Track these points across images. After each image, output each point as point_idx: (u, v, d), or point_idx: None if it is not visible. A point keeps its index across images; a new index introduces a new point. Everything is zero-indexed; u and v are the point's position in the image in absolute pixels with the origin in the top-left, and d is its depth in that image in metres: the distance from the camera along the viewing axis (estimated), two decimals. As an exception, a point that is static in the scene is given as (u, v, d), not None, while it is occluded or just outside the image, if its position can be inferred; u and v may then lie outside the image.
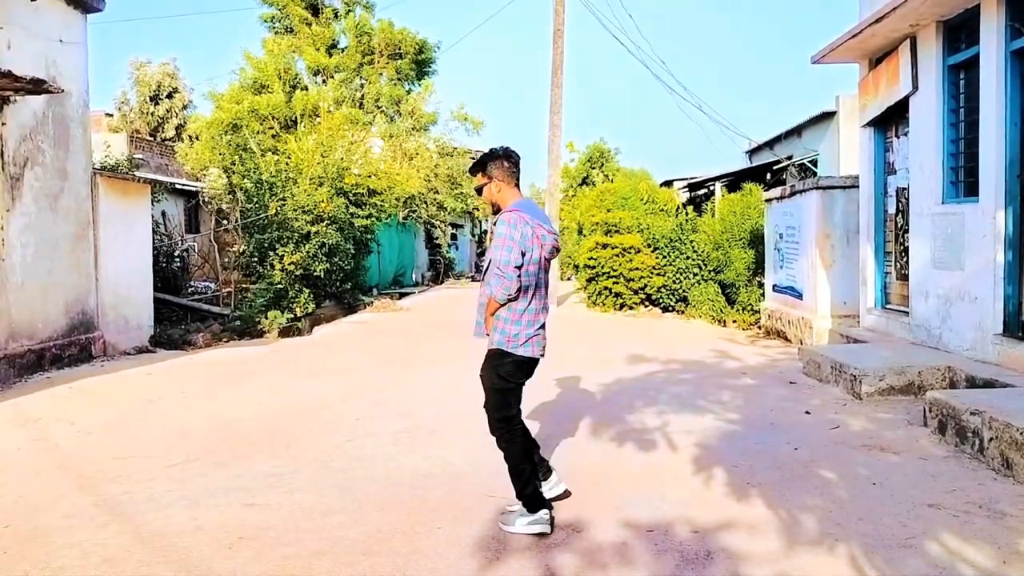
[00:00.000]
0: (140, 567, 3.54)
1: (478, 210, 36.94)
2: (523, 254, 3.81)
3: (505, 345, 3.91)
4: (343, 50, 23.94)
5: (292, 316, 13.01)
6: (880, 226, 9.33)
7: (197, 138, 22.48)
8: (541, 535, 3.81)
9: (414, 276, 27.93)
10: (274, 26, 24.39)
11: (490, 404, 4.00)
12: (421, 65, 25.36)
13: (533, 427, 6.03)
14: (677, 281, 15.06)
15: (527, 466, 3.94)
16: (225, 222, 17.23)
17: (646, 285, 15.18)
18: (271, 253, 13.71)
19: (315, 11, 24.06)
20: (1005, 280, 6.64)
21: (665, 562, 3.52)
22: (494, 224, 4.02)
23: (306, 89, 21.31)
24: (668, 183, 23.34)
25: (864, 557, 3.51)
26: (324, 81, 22.08)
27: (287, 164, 15.72)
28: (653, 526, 3.94)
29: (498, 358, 3.94)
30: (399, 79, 24.60)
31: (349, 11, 24.12)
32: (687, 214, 16.46)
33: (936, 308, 7.73)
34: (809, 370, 8.09)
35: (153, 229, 12.33)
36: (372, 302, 17.51)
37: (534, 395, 7.23)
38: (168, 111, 35.25)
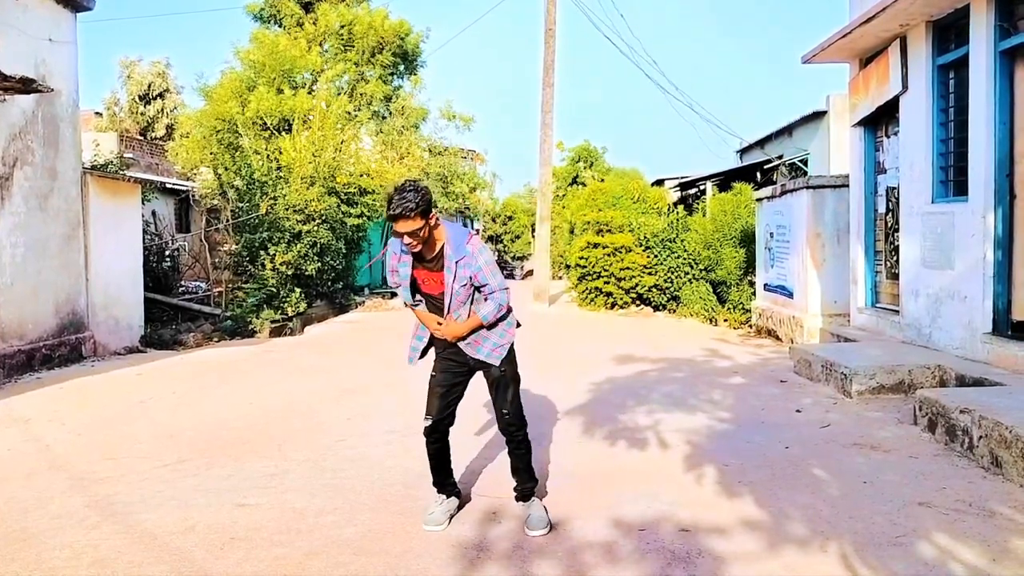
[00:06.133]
0: (131, 568, 3.53)
1: (469, 208, 36.85)
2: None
3: (510, 343, 4.09)
4: (338, 45, 23.47)
5: (283, 316, 12.98)
6: (870, 225, 9.37)
7: (187, 136, 22.23)
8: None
9: (406, 276, 27.84)
10: (262, 16, 23.78)
11: (518, 399, 4.07)
12: (410, 58, 24.95)
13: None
14: (668, 280, 15.09)
15: None
16: (216, 221, 17.16)
17: (637, 284, 15.20)
18: (262, 252, 13.67)
19: (307, 8, 23.73)
20: (995, 279, 6.67)
21: (654, 561, 3.54)
22: (464, 255, 3.89)
23: (296, 88, 21.11)
24: (659, 182, 23.37)
25: (855, 555, 3.53)
26: (315, 79, 21.83)
27: (278, 163, 15.65)
28: (644, 525, 3.95)
29: (513, 353, 4.10)
30: (390, 74, 24.27)
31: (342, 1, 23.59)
32: (678, 213, 16.50)
33: (926, 307, 7.77)
34: (800, 369, 8.12)
35: (143, 229, 12.28)
36: (364, 302, 17.50)
37: (526, 395, 7.23)
38: (159, 111, 35.09)
